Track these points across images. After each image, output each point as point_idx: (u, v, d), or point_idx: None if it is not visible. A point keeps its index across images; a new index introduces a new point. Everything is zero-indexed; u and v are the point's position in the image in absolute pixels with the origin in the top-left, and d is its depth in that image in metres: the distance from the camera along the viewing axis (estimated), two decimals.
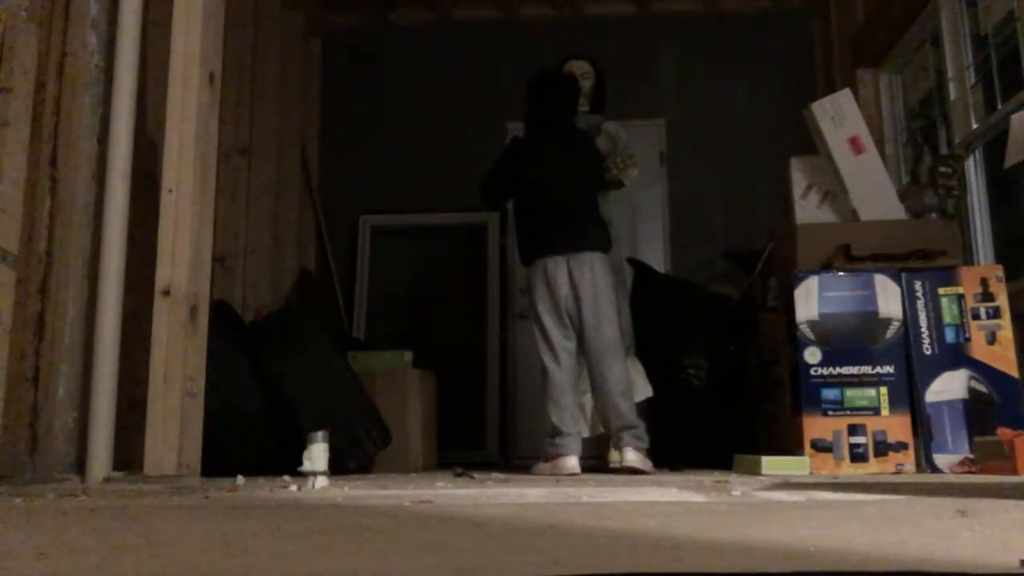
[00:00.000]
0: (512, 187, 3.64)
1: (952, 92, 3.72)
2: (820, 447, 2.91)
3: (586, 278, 3.33)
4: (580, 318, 3.34)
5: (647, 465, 3.16)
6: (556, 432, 3.28)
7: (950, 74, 3.73)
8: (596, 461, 3.71)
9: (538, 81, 3.62)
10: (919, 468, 2.89)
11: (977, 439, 2.79)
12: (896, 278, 3.03)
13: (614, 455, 3.39)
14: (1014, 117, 2.51)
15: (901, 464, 2.87)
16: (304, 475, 2.09)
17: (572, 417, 3.30)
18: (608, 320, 3.33)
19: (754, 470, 2.84)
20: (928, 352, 2.96)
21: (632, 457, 3.16)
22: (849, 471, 2.86)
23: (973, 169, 3.58)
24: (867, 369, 2.95)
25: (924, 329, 2.98)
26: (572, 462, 3.19)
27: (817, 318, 3.01)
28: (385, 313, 5.30)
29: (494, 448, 5.07)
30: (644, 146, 4.86)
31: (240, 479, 2.36)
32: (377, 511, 1.48)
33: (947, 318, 2.98)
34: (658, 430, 3.70)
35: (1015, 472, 2.48)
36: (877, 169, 3.50)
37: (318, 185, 5.34)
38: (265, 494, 1.92)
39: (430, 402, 3.91)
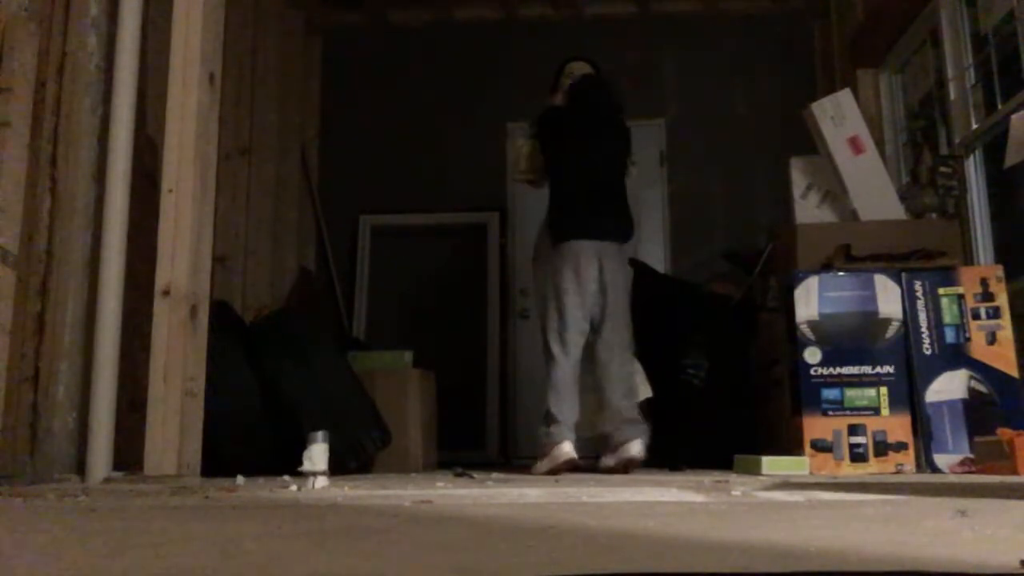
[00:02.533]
0: (550, 160, 3.57)
1: (952, 92, 3.72)
2: (820, 447, 2.91)
3: (616, 273, 3.36)
4: (603, 314, 3.33)
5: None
6: (552, 420, 3.24)
7: (950, 74, 3.73)
8: (596, 461, 3.70)
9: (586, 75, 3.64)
10: (919, 468, 2.89)
11: (977, 439, 2.79)
12: (896, 278, 3.03)
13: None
14: (1014, 117, 2.51)
15: (901, 464, 2.87)
16: (304, 475, 2.08)
17: (570, 409, 3.28)
18: (626, 319, 3.36)
19: (754, 470, 2.84)
20: (928, 352, 2.96)
21: (640, 449, 3.17)
22: (849, 471, 2.86)
23: (973, 169, 3.58)
24: (867, 369, 2.95)
25: (924, 329, 2.98)
26: (567, 448, 3.18)
27: (817, 318, 3.01)
28: (385, 313, 5.31)
29: (494, 448, 5.07)
30: (644, 146, 4.86)
31: (240, 479, 2.36)
32: (377, 511, 1.48)
33: (947, 318, 2.98)
34: (658, 430, 3.70)
35: (1015, 472, 2.47)
36: (877, 169, 3.51)
37: (318, 185, 5.34)
38: (265, 494, 1.92)
39: (430, 402, 3.91)
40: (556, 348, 3.31)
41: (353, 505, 1.62)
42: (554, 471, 3.15)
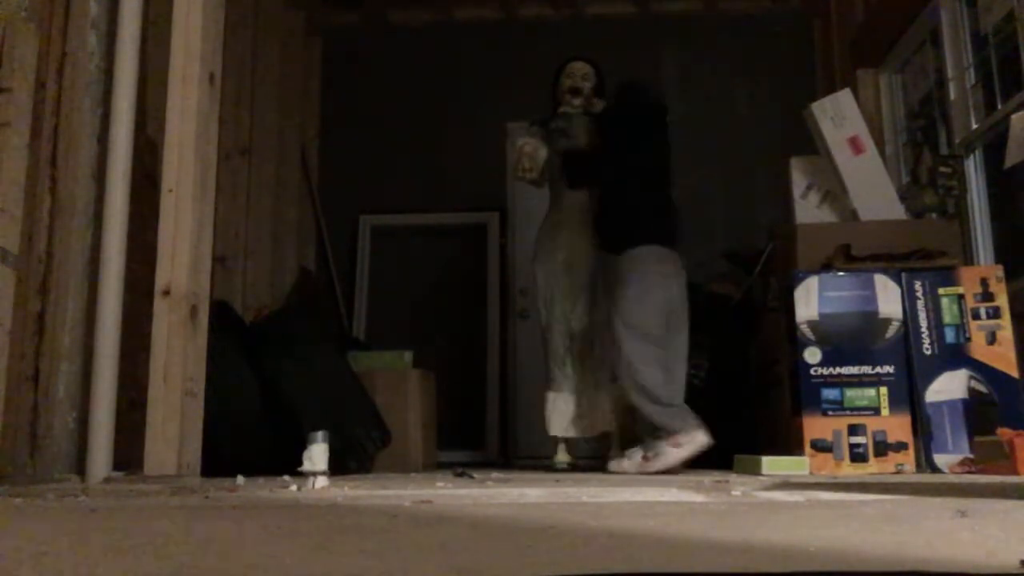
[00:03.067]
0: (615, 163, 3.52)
1: (952, 92, 3.72)
2: (820, 447, 2.91)
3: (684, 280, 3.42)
4: (673, 318, 3.33)
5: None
6: (670, 403, 3.15)
7: (950, 74, 3.73)
8: (596, 461, 3.71)
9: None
10: (919, 468, 2.89)
11: (977, 439, 2.79)
12: (896, 278, 3.03)
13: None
14: (1014, 117, 2.51)
15: (901, 464, 2.87)
16: (304, 475, 2.08)
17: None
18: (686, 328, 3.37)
19: (754, 470, 2.84)
20: (928, 352, 2.96)
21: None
22: (849, 471, 2.86)
23: (973, 169, 3.58)
24: (867, 369, 2.95)
25: (924, 329, 2.98)
26: (705, 435, 3.12)
27: (817, 318, 3.01)
28: (385, 313, 5.31)
29: (494, 448, 5.07)
30: None
31: (240, 479, 2.36)
32: (377, 511, 1.48)
33: (947, 318, 2.98)
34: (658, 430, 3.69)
35: (1015, 472, 2.47)
36: (877, 169, 3.51)
37: (318, 185, 5.34)
38: (265, 494, 1.92)
39: (430, 402, 3.91)
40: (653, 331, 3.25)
41: (353, 505, 1.62)
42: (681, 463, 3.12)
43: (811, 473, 2.82)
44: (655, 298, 3.26)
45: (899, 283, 3.02)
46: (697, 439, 3.09)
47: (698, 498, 1.74)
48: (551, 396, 3.58)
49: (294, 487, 2.08)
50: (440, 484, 2.28)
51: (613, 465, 3.30)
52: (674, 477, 2.85)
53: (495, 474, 3.01)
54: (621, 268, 3.29)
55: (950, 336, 2.96)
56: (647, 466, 3.12)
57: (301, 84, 5.14)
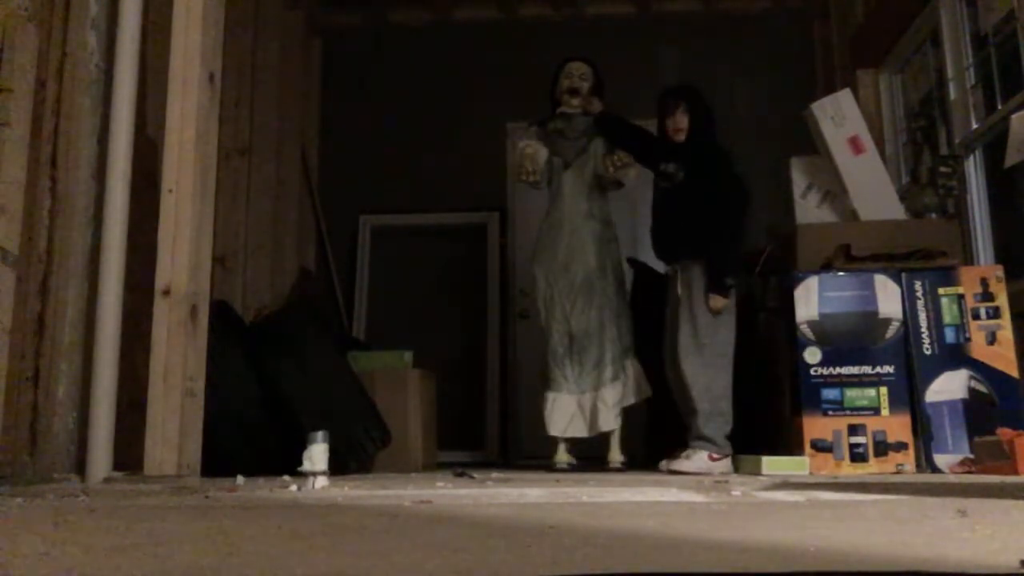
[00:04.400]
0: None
1: (952, 92, 3.72)
2: (820, 447, 2.91)
3: None
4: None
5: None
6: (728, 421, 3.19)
7: (950, 74, 3.73)
8: (596, 462, 3.71)
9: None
10: (919, 468, 2.89)
11: (977, 439, 2.79)
12: (896, 278, 3.03)
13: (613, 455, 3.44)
14: (1014, 117, 2.51)
15: (901, 464, 2.87)
16: (304, 475, 2.08)
17: None
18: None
19: (754, 470, 2.84)
20: (928, 352, 2.96)
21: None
22: (849, 471, 2.86)
23: (973, 169, 3.58)
24: (867, 369, 2.95)
25: (924, 329, 2.98)
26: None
27: (817, 318, 3.01)
28: (385, 313, 5.31)
29: (494, 448, 5.07)
30: None
31: (240, 479, 2.36)
32: (377, 511, 1.48)
33: (947, 318, 2.98)
34: (658, 429, 3.70)
35: (1015, 472, 2.48)
36: (877, 169, 3.51)
37: (318, 185, 5.34)
38: (265, 494, 1.92)
39: (430, 402, 3.91)
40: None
41: (353, 505, 1.62)
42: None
43: (811, 473, 2.82)
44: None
45: (899, 283, 3.02)
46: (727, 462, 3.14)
47: (698, 498, 1.75)
48: (551, 396, 3.58)
49: (294, 487, 2.08)
50: (440, 484, 2.28)
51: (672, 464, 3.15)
52: (674, 477, 2.85)
53: (495, 474, 3.01)
54: None
55: (950, 336, 2.96)
56: (714, 466, 3.10)
57: (301, 84, 5.13)
